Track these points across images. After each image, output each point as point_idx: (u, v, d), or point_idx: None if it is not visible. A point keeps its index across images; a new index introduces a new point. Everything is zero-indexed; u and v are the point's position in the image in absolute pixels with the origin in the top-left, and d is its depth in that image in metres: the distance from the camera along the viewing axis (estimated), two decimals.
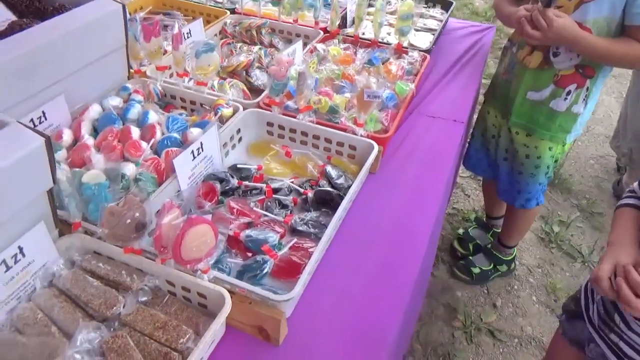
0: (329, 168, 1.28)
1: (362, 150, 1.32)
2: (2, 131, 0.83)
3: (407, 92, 1.50)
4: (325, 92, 1.47)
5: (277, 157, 1.36)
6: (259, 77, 1.63)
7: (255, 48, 1.75)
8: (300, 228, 1.14)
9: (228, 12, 1.93)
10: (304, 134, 1.38)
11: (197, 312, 0.93)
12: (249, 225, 1.13)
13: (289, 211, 1.20)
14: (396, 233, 1.23)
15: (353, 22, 1.94)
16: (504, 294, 2.27)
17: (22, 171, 0.82)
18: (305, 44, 1.76)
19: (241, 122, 1.38)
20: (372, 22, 1.91)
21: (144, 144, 1.23)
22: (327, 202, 1.20)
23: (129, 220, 0.90)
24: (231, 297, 0.90)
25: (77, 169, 1.03)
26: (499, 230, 2.32)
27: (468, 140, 2.11)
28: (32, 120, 1.18)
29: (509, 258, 2.27)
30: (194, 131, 1.26)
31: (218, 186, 1.20)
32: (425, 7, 2.19)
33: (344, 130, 1.35)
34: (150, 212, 0.96)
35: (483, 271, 2.25)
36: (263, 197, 1.22)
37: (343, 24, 1.94)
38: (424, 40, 1.97)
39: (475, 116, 2.08)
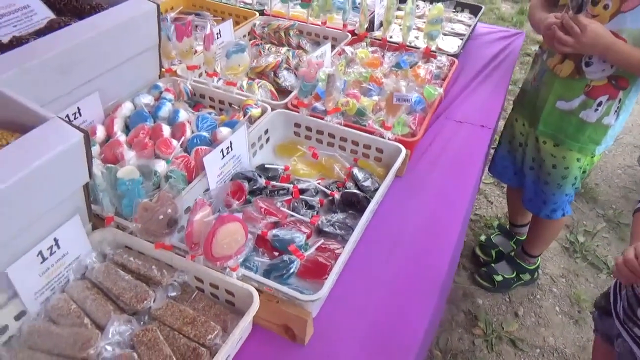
0: (355, 170, 1.28)
1: (390, 154, 1.32)
2: (43, 126, 0.85)
3: (435, 97, 1.49)
4: (353, 95, 1.48)
5: (304, 158, 1.37)
6: (287, 78, 1.65)
7: (284, 49, 1.77)
8: (326, 229, 1.14)
9: (257, 14, 1.95)
10: (331, 135, 1.38)
11: (224, 309, 0.94)
12: (275, 225, 1.14)
13: (315, 212, 1.20)
14: (422, 237, 1.22)
15: (381, 25, 1.95)
16: (526, 303, 2.24)
17: (60, 165, 0.84)
18: (333, 47, 1.77)
19: (269, 123, 1.39)
20: (400, 25, 1.92)
21: (174, 142, 1.25)
22: (353, 204, 1.20)
23: (161, 216, 0.92)
24: (258, 295, 0.91)
25: (111, 165, 1.05)
26: (522, 238, 2.29)
27: (494, 146, 2.09)
28: (67, 116, 1.21)
29: (533, 267, 2.23)
30: (224, 130, 1.28)
31: (246, 185, 1.21)
32: (454, 12, 2.18)
33: (372, 133, 1.35)
34: (181, 209, 0.98)
35: (505, 279, 2.22)
36: (290, 197, 1.23)
37: (371, 27, 1.94)
38: (452, 44, 1.96)
39: (502, 122, 2.06)
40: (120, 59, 1.30)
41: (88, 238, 0.98)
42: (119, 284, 0.92)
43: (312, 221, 1.16)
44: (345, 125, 1.37)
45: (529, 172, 1.90)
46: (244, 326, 0.87)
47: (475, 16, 2.16)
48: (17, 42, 1.17)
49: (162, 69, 1.52)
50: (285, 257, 1.05)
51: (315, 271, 1.04)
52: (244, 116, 1.37)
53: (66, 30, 1.17)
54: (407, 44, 1.82)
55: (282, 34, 1.84)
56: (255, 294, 0.90)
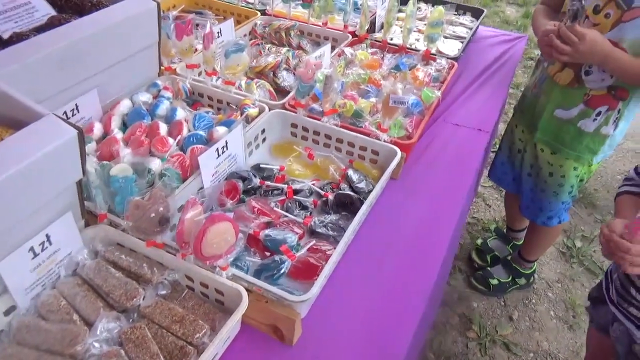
0: (350, 172, 1.28)
1: (385, 156, 1.33)
2: (38, 122, 0.86)
3: (432, 100, 1.49)
4: (350, 96, 1.48)
5: (300, 159, 1.38)
6: (286, 79, 1.65)
7: (284, 50, 1.77)
8: (319, 230, 1.15)
9: (258, 13, 1.95)
10: (328, 136, 1.39)
11: (214, 308, 0.95)
12: (268, 224, 1.15)
13: (308, 213, 1.21)
14: (414, 241, 1.22)
15: (382, 27, 1.95)
16: (521, 307, 2.24)
17: (54, 162, 0.85)
18: (333, 47, 1.77)
19: (266, 123, 1.40)
20: (401, 27, 1.92)
21: (170, 140, 1.25)
22: (347, 205, 1.21)
23: (153, 214, 0.92)
24: (248, 295, 0.91)
25: (105, 162, 1.06)
26: (519, 243, 2.29)
27: (493, 150, 2.08)
28: (65, 112, 1.21)
29: (529, 272, 2.23)
30: (220, 129, 1.28)
31: (240, 185, 1.22)
32: (456, 15, 2.18)
33: (368, 134, 1.35)
34: (174, 207, 0.99)
35: (501, 283, 2.22)
36: (284, 197, 1.23)
37: (372, 28, 1.95)
38: (453, 47, 1.96)
39: (500, 126, 2.05)
40: (120, 56, 1.31)
41: (80, 235, 0.99)
42: (110, 281, 0.93)
43: (304, 222, 1.16)
44: (342, 127, 1.38)
45: (526, 178, 1.90)
46: (232, 325, 0.88)
47: (478, 19, 2.16)
48: (17, 38, 1.18)
49: (162, 67, 1.53)
50: (277, 258, 1.05)
51: (306, 272, 1.04)
52: (241, 116, 1.37)
53: (66, 27, 1.18)
54: (408, 46, 1.82)
55: (283, 34, 1.84)
56: (244, 293, 0.91)
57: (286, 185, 1.25)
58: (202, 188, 1.18)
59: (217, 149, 1.18)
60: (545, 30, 1.46)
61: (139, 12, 1.31)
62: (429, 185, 1.38)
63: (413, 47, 1.86)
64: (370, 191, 1.23)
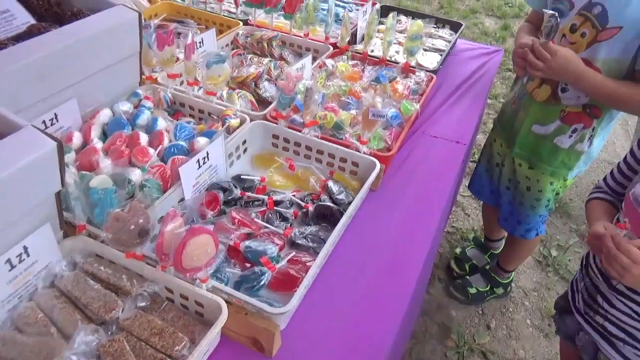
0: (330, 183, 1.30)
1: (365, 167, 1.35)
2: (17, 134, 0.86)
3: (412, 112, 1.52)
4: (331, 108, 1.50)
5: (281, 170, 1.39)
6: (268, 89, 1.66)
7: (265, 60, 1.78)
8: (299, 241, 1.16)
9: (241, 23, 1.96)
10: (308, 148, 1.40)
11: (193, 320, 0.95)
12: (249, 236, 1.15)
13: (289, 224, 1.22)
14: (393, 250, 1.24)
15: (362, 38, 1.98)
16: (498, 315, 2.28)
17: (33, 174, 0.85)
18: (314, 58, 1.79)
19: (247, 134, 1.41)
20: (381, 39, 1.95)
21: (151, 151, 1.25)
22: (327, 216, 1.22)
23: (132, 227, 0.92)
24: (228, 307, 0.92)
25: (85, 173, 1.05)
26: (497, 252, 2.34)
27: (472, 160, 2.13)
28: (44, 121, 1.20)
29: (507, 281, 2.28)
30: (201, 140, 1.29)
31: (221, 196, 1.22)
32: (435, 28, 2.22)
33: (348, 146, 1.37)
34: (154, 218, 0.99)
35: (479, 292, 2.26)
36: (264, 208, 1.24)
37: (353, 40, 1.97)
38: (432, 60, 2.00)
39: (479, 136, 2.10)
40: (100, 66, 1.30)
41: (59, 246, 0.98)
42: (88, 293, 0.93)
43: (285, 233, 1.17)
44: (322, 138, 1.39)
45: (504, 191, 1.95)
46: (212, 337, 0.88)
47: (456, 32, 2.20)
48: None
49: (143, 76, 1.52)
50: (257, 269, 1.06)
51: (286, 283, 1.05)
52: (223, 126, 1.38)
53: (46, 36, 1.17)
54: (388, 58, 1.85)
55: (265, 45, 1.86)
56: (224, 305, 0.91)
57: (267, 197, 1.26)
58: (182, 199, 1.18)
59: (198, 160, 1.19)
60: (520, 43, 1.50)
61: (119, 22, 1.31)
62: (408, 196, 1.40)
63: (393, 59, 1.90)
64: (350, 202, 1.24)
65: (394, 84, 1.63)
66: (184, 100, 1.51)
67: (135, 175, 1.15)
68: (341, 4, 2.30)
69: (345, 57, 1.83)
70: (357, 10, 2.18)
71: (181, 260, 0.87)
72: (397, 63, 1.83)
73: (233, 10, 2.14)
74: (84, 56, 1.23)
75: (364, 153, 1.35)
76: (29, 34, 1.25)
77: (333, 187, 1.29)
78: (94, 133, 1.31)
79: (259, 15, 2.02)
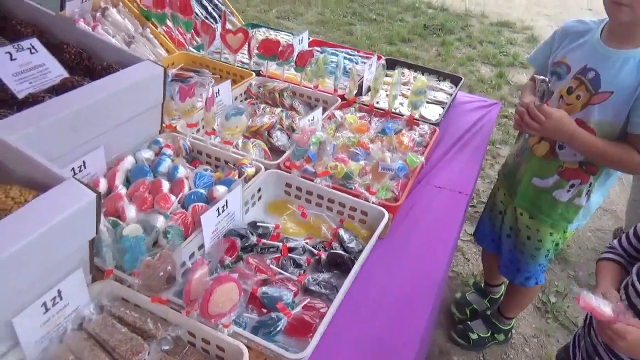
0: (341, 231, 1.37)
1: (374, 216, 1.42)
2: (60, 186, 0.93)
3: (417, 164, 1.61)
4: (341, 159, 1.58)
5: (293, 217, 1.46)
6: (280, 139, 1.75)
7: (277, 110, 1.88)
8: (312, 288, 1.21)
9: (253, 74, 2.07)
10: (320, 196, 1.48)
11: None
12: (264, 281, 1.21)
13: (302, 270, 1.28)
14: (401, 298, 1.30)
15: (368, 89, 2.09)
16: None
17: (74, 224, 0.91)
18: (324, 109, 1.89)
19: (262, 182, 1.48)
20: (386, 91, 2.06)
21: (172, 197, 1.32)
22: (339, 264, 1.28)
23: (161, 273, 0.98)
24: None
25: (116, 220, 1.12)
26: (496, 297, 2.38)
27: (472, 205, 2.21)
28: (73, 169, 1.28)
29: (508, 328, 2.32)
30: (220, 189, 1.36)
31: (239, 242, 1.29)
32: (437, 81, 2.34)
33: (357, 196, 1.45)
34: (179, 265, 1.05)
35: (481, 338, 2.29)
36: (279, 255, 1.30)
37: (359, 91, 2.08)
38: (434, 112, 2.10)
39: (479, 182, 2.18)
40: (127, 117, 1.39)
41: (87, 289, 1.04)
42: (115, 336, 0.98)
43: (299, 279, 1.23)
44: (333, 188, 1.47)
45: (505, 239, 2.02)
46: None
47: (456, 86, 2.32)
48: (32, 99, 1.25)
49: (163, 125, 1.61)
50: (274, 315, 1.11)
51: (301, 329, 1.11)
52: (239, 175, 1.46)
53: (80, 91, 1.26)
54: (393, 110, 1.96)
55: (277, 95, 1.96)
56: (245, 350, 0.96)
57: (281, 244, 1.32)
58: (202, 245, 1.25)
59: (218, 208, 1.26)
60: (521, 102, 1.61)
61: (146, 76, 1.40)
62: (414, 245, 1.47)
63: (397, 111, 2.00)
64: (360, 250, 1.31)
65: (400, 136, 1.72)
66: (202, 148, 1.59)
67: (159, 222, 1.22)
68: (348, 56, 2.42)
69: (353, 108, 1.93)
70: (364, 63, 2.31)
71: (208, 307, 0.92)
72: (402, 115, 1.93)
73: (246, 61, 2.26)
74: (113, 109, 1.32)
75: (373, 203, 1.43)
76: (63, 87, 1.34)
77: (344, 235, 1.36)
78: (119, 180, 1.38)
79: (271, 67, 2.14)
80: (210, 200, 1.35)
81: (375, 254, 1.41)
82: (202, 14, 2.54)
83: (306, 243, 1.34)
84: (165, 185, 1.36)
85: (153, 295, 1.02)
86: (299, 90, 2.03)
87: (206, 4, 2.58)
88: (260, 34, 2.56)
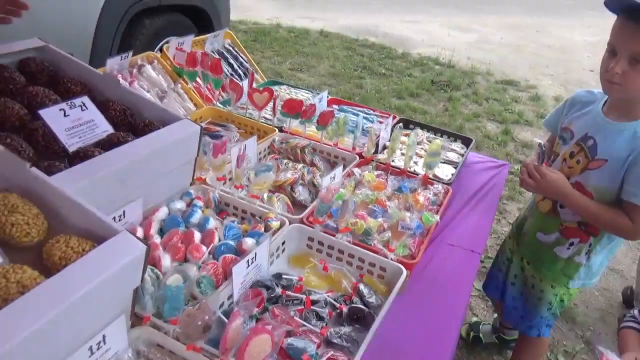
0: (361, 286, 1.44)
1: (392, 272, 1.49)
2: (114, 238, 1.02)
3: (432, 222, 1.70)
4: (360, 215, 1.68)
5: (315, 270, 1.53)
6: (302, 193, 1.85)
7: (299, 166, 1.99)
8: (335, 341, 1.28)
9: (276, 130, 2.19)
10: (341, 251, 1.56)
11: None
12: (289, 333, 1.28)
13: (324, 323, 1.34)
14: (417, 352, 1.36)
15: (384, 147, 2.21)
16: None
17: (125, 274, 1.00)
18: (343, 166, 2.00)
19: (286, 236, 1.57)
20: (401, 151, 2.18)
21: (203, 248, 1.41)
22: (359, 318, 1.35)
23: (199, 322, 1.06)
24: None
25: (154, 268, 1.20)
26: (508, 339, 2.48)
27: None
28: (114, 218, 1.37)
29: None
30: (248, 241, 1.45)
31: (265, 293, 1.36)
32: (448, 141, 2.46)
33: (376, 252, 1.53)
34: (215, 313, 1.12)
35: None
36: (302, 307, 1.37)
37: (376, 149, 2.20)
38: (446, 171, 2.21)
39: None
40: (165, 171, 1.50)
41: (127, 335, 1.11)
42: None
43: (321, 332, 1.30)
44: (354, 244, 1.55)
45: (510, 286, 2.11)
46: None
47: (467, 147, 2.44)
48: (83, 153, 1.36)
49: (194, 177, 1.72)
50: None
51: None
52: (266, 228, 1.55)
53: (127, 146, 1.38)
54: (408, 169, 2.07)
55: (299, 151, 2.08)
56: None
57: (304, 296, 1.39)
58: (231, 296, 1.32)
59: (248, 260, 1.34)
60: (525, 162, 1.77)
61: (185, 134, 1.52)
62: (429, 301, 1.54)
63: (412, 169, 2.11)
64: (379, 305, 1.38)
65: (416, 195, 1.82)
66: (230, 201, 1.69)
67: (193, 271, 1.30)
68: (365, 115, 2.56)
69: (371, 167, 2.04)
70: (380, 122, 2.45)
71: (244, 356, 0.99)
72: (417, 174, 2.04)
73: (269, 116, 2.39)
74: (154, 163, 1.43)
75: (391, 259, 1.51)
76: (109, 142, 1.45)
77: (364, 290, 1.43)
78: (154, 229, 1.47)
79: (293, 124, 2.27)
80: (239, 251, 1.44)
81: (393, 308, 1.47)
82: (228, 71, 2.70)
83: (328, 296, 1.41)
84: (197, 236, 1.45)
85: (188, 342, 1.09)
86: (319, 147, 2.15)
87: (232, 62, 2.76)
88: (281, 91, 2.71)
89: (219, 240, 1.48)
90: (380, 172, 2.03)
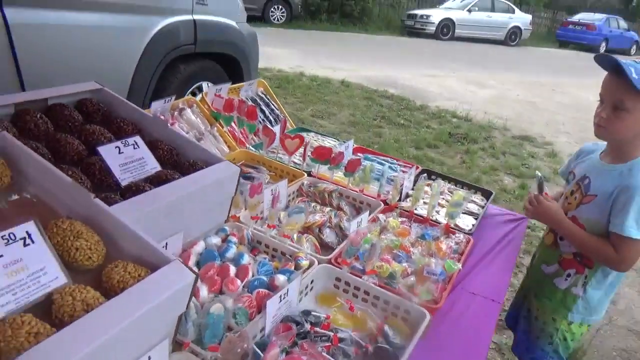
0: (386, 327, 1.50)
1: (415, 316, 1.55)
2: (167, 267, 1.11)
3: (454, 270, 1.76)
4: (385, 259, 1.75)
5: (341, 309, 1.60)
6: (329, 236, 1.94)
7: (327, 209, 2.09)
8: None
9: (305, 174, 2.31)
10: (367, 293, 1.63)
11: None
12: None
13: None
14: None
15: (407, 195, 2.30)
16: None
17: (175, 299, 1.09)
18: (369, 211, 2.09)
19: (315, 275, 1.65)
20: (423, 200, 2.27)
21: (238, 281, 1.49)
22: (384, 358, 1.40)
23: (239, 350, 1.13)
24: None
25: (195, 300, 1.28)
26: None
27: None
28: None
29: None
30: (280, 277, 1.53)
31: (294, 328, 1.43)
32: (469, 193, 2.55)
33: (401, 295, 1.59)
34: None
35: None
36: (329, 344, 1.43)
37: (400, 197, 2.29)
38: (467, 222, 2.28)
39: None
40: (206, 207, 1.61)
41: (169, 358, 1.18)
42: None
43: None
44: (379, 286, 1.62)
45: (521, 319, 2.21)
46: None
47: (487, 199, 2.53)
48: (135, 187, 1.48)
49: (229, 215, 1.82)
50: None
51: None
52: (296, 266, 1.63)
53: (175, 183, 1.49)
54: (431, 217, 2.15)
55: (326, 195, 2.18)
56: None
57: (332, 333, 1.45)
58: (263, 329, 1.39)
59: (281, 295, 1.42)
60: (530, 194, 1.98)
61: (226, 175, 1.64)
62: (452, 347, 1.58)
63: (434, 218, 2.19)
64: (403, 347, 1.43)
65: (438, 243, 1.89)
66: (262, 239, 1.78)
67: (229, 303, 1.38)
68: (389, 163, 2.67)
69: (395, 214, 2.12)
70: (403, 172, 2.55)
71: None
72: (439, 223, 2.12)
73: (297, 161, 2.52)
74: (197, 200, 1.54)
75: (415, 303, 1.57)
76: (157, 178, 1.57)
77: (389, 331, 1.48)
78: (191, 262, 1.56)
79: (320, 169, 2.39)
80: (271, 287, 1.52)
81: (415, 350, 1.52)
82: (260, 117, 2.86)
83: (354, 334, 1.47)
84: (232, 270, 1.54)
85: None
86: (345, 192, 2.25)
87: (264, 108, 2.92)
88: (310, 138, 2.85)
89: (252, 275, 1.56)
90: (403, 219, 2.11)
